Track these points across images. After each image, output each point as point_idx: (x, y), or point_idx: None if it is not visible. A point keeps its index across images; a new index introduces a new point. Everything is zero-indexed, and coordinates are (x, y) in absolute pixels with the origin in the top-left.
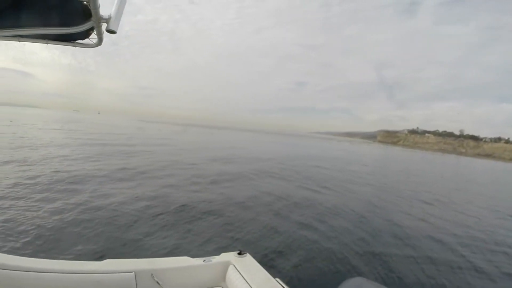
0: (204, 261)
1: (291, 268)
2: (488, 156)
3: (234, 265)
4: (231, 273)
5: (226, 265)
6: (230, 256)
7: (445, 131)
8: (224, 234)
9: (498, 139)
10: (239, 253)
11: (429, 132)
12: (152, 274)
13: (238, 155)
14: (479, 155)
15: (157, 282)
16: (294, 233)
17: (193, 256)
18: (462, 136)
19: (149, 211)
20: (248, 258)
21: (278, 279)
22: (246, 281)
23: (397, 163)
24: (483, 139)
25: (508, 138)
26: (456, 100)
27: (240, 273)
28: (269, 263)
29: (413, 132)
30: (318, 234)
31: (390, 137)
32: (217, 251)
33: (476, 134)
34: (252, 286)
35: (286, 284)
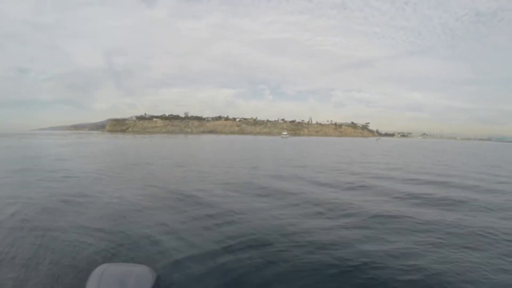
0: None
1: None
2: (211, 132)
3: None
4: None
5: None
6: None
7: (171, 115)
8: None
9: (219, 118)
10: None
11: (156, 116)
12: None
13: None
14: (203, 132)
15: None
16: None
17: None
18: (187, 118)
19: None
20: None
21: None
22: None
23: None
24: (206, 119)
25: (227, 116)
26: (183, 86)
27: None
28: None
29: (141, 118)
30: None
31: (119, 125)
32: None
33: (200, 115)
34: None
35: None
